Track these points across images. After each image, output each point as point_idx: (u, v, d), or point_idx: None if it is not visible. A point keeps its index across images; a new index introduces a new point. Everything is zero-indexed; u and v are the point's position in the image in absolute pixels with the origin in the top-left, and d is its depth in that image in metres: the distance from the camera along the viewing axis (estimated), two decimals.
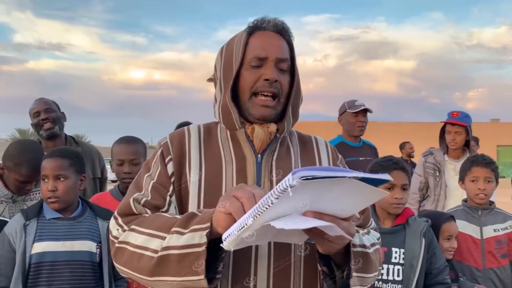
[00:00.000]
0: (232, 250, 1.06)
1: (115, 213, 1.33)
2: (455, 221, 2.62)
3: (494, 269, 2.67)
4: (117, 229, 1.29)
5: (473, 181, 2.78)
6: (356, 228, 1.27)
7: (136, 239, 1.21)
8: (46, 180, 2.17)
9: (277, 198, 0.94)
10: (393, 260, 2.30)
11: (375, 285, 2.30)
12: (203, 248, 1.09)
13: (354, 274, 1.20)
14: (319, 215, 1.04)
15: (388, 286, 2.29)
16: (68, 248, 2.11)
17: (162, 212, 1.29)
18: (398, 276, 2.28)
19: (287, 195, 0.94)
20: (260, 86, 1.32)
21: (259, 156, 1.36)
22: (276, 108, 1.35)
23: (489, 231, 2.72)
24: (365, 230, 1.39)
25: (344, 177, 0.97)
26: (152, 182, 1.33)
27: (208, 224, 1.10)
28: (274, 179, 1.34)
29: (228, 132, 1.40)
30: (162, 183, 1.33)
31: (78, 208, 2.24)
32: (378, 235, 1.43)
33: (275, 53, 1.33)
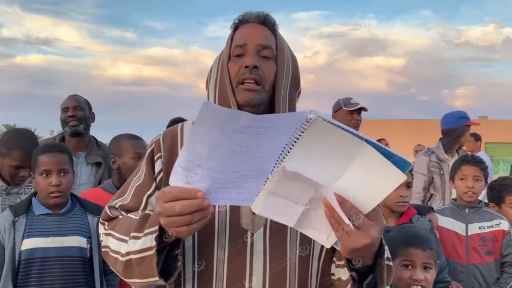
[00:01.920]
0: (260, 214, 1.05)
1: (101, 219, 1.37)
2: (434, 212, 2.71)
3: (478, 265, 2.73)
4: (102, 233, 1.34)
5: (462, 179, 2.85)
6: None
7: (112, 243, 1.26)
8: (47, 175, 2.15)
9: (298, 138, 0.94)
10: None
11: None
12: (153, 251, 1.12)
13: None
14: (340, 198, 0.99)
15: None
16: (58, 244, 2.10)
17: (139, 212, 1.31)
18: None
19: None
20: (241, 74, 1.31)
21: None
22: (261, 94, 1.31)
23: (474, 228, 2.78)
24: None
25: (362, 138, 0.93)
26: (137, 184, 1.35)
27: (156, 227, 1.11)
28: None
29: None
30: (144, 183, 1.33)
31: (67, 203, 2.23)
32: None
33: (255, 40, 1.32)
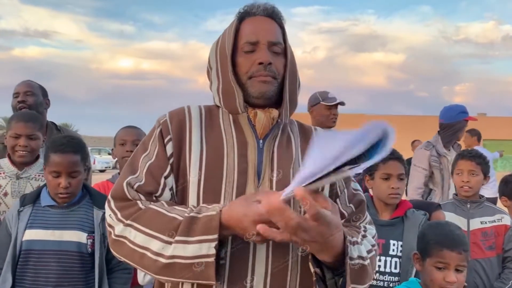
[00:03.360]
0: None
1: (109, 195, 1.31)
2: (441, 209, 2.67)
3: (479, 260, 2.72)
4: (110, 215, 1.27)
5: (458, 174, 2.88)
6: (356, 237, 1.26)
7: (135, 237, 1.21)
8: (57, 176, 2.11)
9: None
10: (390, 252, 2.31)
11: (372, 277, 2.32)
12: (212, 259, 1.14)
13: (351, 286, 1.19)
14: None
15: (385, 278, 2.30)
16: (57, 237, 2.07)
17: (155, 197, 1.29)
18: (395, 268, 2.30)
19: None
20: (255, 70, 1.31)
21: (261, 141, 1.34)
22: (274, 86, 1.33)
23: (476, 223, 2.78)
24: (362, 232, 1.35)
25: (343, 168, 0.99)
26: (149, 163, 1.31)
27: (216, 236, 1.14)
28: (275, 166, 1.32)
29: (230, 116, 1.38)
30: (159, 164, 1.31)
31: (76, 195, 2.20)
32: (374, 232, 1.41)
33: (266, 36, 1.33)
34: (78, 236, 2.11)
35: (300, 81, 1.46)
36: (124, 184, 1.29)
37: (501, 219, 2.77)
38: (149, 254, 1.18)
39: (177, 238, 1.16)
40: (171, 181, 1.31)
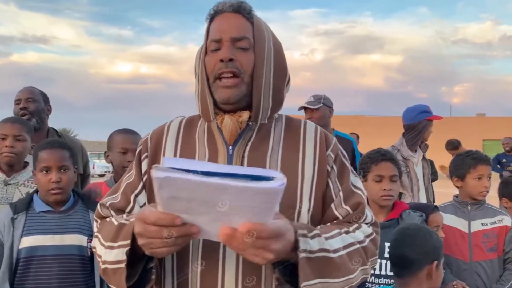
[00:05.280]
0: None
1: (94, 216, 1.40)
2: (439, 211, 2.64)
3: (481, 262, 2.69)
4: (94, 232, 1.37)
5: (478, 178, 2.77)
6: (321, 230, 1.18)
7: (97, 246, 1.28)
8: (47, 171, 2.13)
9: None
10: (385, 255, 2.27)
11: (367, 280, 2.30)
12: (123, 265, 1.14)
13: (304, 283, 1.09)
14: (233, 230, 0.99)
15: (380, 280, 2.28)
16: (57, 242, 2.06)
17: (127, 212, 1.33)
18: (390, 271, 2.26)
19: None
20: (217, 69, 1.27)
21: (230, 147, 1.29)
22: (240, 88, 1.26)
23: (477, 225, 2.75)
24: (348, 229, 1.26)
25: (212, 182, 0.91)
26: (127, 182, 1.36)
27: (128, 241, 1.13)
28: None
29: (205, 124, 1.36)
30: (133, 182, 1.35)
31: (69, 200, 2.20)
32: (369, 231, 1.30)
33: (229, 33, 1.28)
34: (79, 240, 2.11)
35: (289, 77, 1.39)
36: (98, 206, 1.38)
37: (502, 220, 2.74)
38: (100, 262, 1.24)
39: (107, 244, 1.21)
40: (142, 198, 1.33)
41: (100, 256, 1.25)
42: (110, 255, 1.18)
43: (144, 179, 1.33)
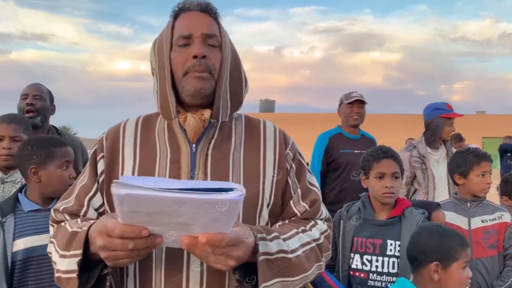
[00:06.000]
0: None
1: (50, 221, 1.38)
2: (441, 208, 2.66)
3: (482, 259, 2.70)
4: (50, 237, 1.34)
5: (482, 175, 2.78)
6: (279, 231, 1.23)
7: (52, 252, 1.26)
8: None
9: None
10: (388, 252, 2.29)
11: (369, 277, 2.31)
12: (74, 275, 1.13)
13: (263, 284, 1.14)
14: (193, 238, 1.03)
15: (383, 278, 2.29)
16: None
17: (82, 216, 1.31)
18: (393, 268, 2.28)
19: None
20: (190, 65, 1.26)
21: (194, 145, 1.30)
22: (210, 82, 1.28)
23: (477, 222, 2.76)
24: (304, 227, 1.32)
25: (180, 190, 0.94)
26: (80, 185, 1.34)
27: (80, 251, 1.12)
28: (209, 170, 1.27)
29: (165, 122, 1.35)
30: (86, 185, 1.33)
31: (57, 197, 2.12)
32: (324, 227, 1.37)
33: (200, 29, 1.29)
34: None
35: (246, 78, 1.41)
36: (52, 211, 1.36)
37: (501, 217, 2.76)
38: (55, 268, 1.23)
39: (60, 252, 1.19)
40: (97, 201, 1.31)
41: (55, 263, 1.23)
42: (63, 264, 1.17)
43: (101, 180, 1.31)
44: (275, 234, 1.21)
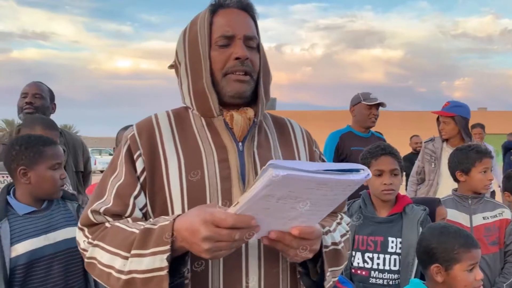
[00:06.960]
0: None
1: (79, 224, 1.29)
2: (443, 205, 2.66)
3: (484, 256, 2.68)
4: (84, 241, 1.26)
5: (484, 172, 2.77)
6: (328, 225, 1.30)
7: (102, 257, 1.18)
8: None
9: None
10: (389, 249, 2.29)
11: (371, 275, 2.30)
12: (165, 272, 1.08)
13: (328, 272, 1.23)
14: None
15: (384, 275, 2.28)
16: (52, 240, 2.02)
17: (126, 217, 1.24)
18: (394, 266, 2.28)
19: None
20: (231, 66, 1.26)
21: (240, 144, 1.29)
22: (250, 85, 1.29)
23: (479, 219, 2.75)
24: (337, 220, 1.40)
25: (323, 176, 0.95)
26: (117, 184, 1.26)
27: (168, 247, 1.07)
28: (259, 170, 1.27)
29: (203, 119, 1.32)
30: (128, 184, 1.25)
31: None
32: (348, 219, 1.48)
33: (243, 30, 1.27)
34: (71, 232, 2.05)
35: (272, 76, 1.42)
36: (89, 212, 1.25)
37: (502, 213, 2.75)
38: (113, 272, 1.15)
39: (133, 251, 1.11)
40: (141, 200, 1.25)
41: (110, 267, 1.15)
42: (140, 264, 1.10)
43: (142, 179, 1.25)
44: (328, 228, 1.28)
